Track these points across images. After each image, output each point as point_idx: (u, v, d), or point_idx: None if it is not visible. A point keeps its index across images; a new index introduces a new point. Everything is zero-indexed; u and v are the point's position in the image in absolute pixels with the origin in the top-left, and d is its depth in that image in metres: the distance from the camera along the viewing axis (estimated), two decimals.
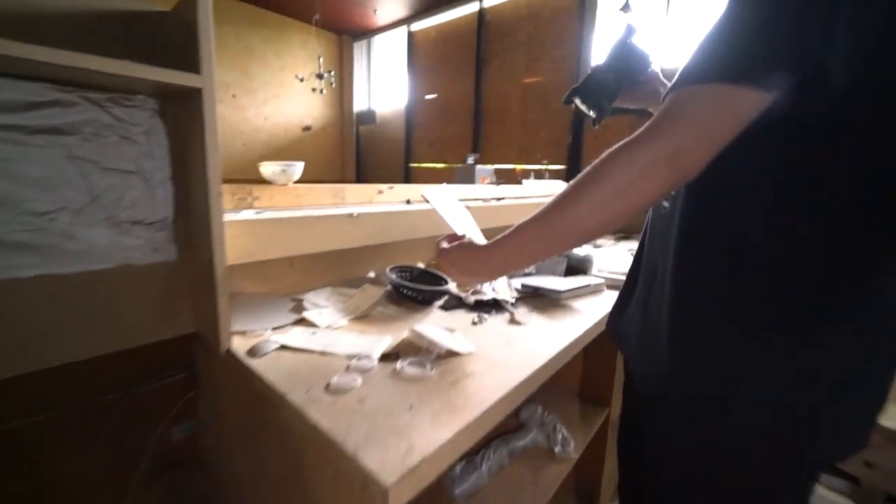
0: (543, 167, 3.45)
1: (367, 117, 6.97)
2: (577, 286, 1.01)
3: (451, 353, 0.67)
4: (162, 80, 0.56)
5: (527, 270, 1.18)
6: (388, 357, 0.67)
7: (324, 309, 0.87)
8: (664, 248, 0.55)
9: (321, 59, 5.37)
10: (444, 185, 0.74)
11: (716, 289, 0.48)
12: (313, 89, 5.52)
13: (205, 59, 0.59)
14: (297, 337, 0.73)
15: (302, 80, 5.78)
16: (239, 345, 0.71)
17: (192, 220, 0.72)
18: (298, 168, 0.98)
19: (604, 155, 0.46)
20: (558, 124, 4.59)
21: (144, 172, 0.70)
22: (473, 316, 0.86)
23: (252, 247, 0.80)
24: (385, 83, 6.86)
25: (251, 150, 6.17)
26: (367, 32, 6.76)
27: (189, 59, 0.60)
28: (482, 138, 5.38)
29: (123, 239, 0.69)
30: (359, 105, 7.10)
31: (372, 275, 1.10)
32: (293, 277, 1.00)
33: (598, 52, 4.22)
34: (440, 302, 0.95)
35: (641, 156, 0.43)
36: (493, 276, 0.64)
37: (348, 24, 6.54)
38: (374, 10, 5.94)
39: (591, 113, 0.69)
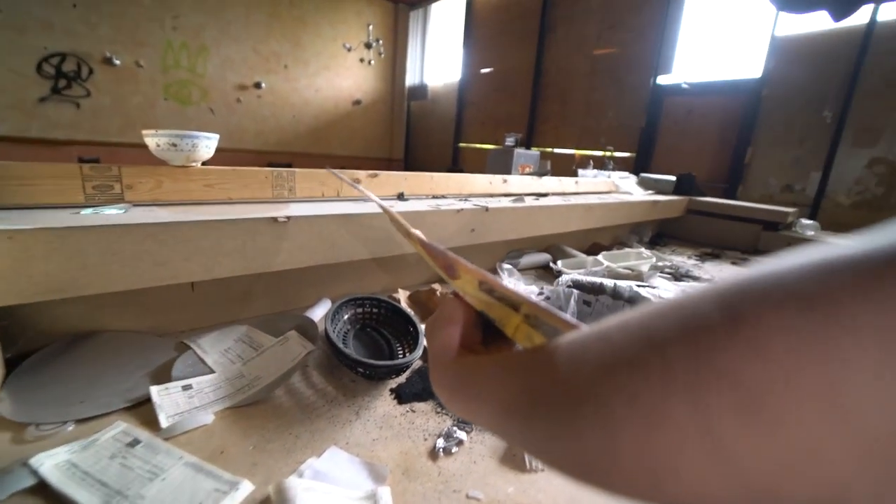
0: (607, 153, 2.83)
1: (419, 92, 6.58)
2: None
3: None
4: None
5: None
6: None
7: (195, 380, 0.52)
8: None
9: (370, 28, 5.04)
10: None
11: None
12: (361, 59, 5.21)
13: None
14: (88, 457, 0.39)
15: (350, 49, 5.49)
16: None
17: None
18: (205, 144, 0.63)
19: None
20: (630, 104, 3.91)
21: None
22: (442, 430, 0.47)
23: (69, 273, 0.47)
24: (439, 56, 6.41)
25: (301, 123, 6.05)
26: (425, 0, 6.31)
27: None
28: (539, 119, 4.79)
29: None
30: (411, 79, 6.73)
31: (321, 309, 0.74)
32: (195, 307, 0.67)
33: (690, 21, 3.47)
34: (399, 379, 0.57)
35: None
36: (453, 408, 0.22)
37: None
38: None
39: None
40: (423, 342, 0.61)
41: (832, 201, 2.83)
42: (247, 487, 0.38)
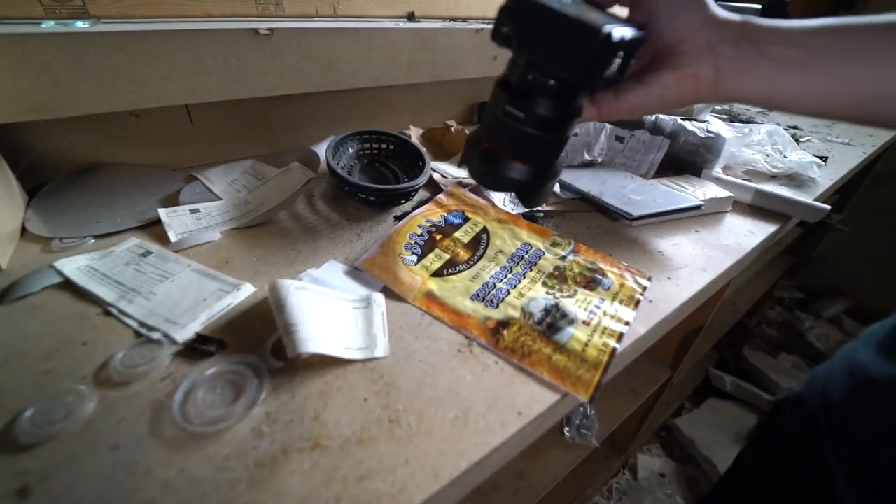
0: None
1: None
2: (669, 206, 0.53)
3: (330, 359, 0.32)
4: None
5: (580, 146, 0.68)
6: (204, 343, 0.34)
7: (203, 205, 0.53)
8: None
9: None
10: None
11: None
12: None
13: None
14: (105, 263, 0.42)
15: None
16: (21, 264, 0.42)
17: None
18: None
19: None
20: None
21: None
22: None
23: (44, 91, 0.44)
24: None
25: None
26: None
27: None
28: None
29: None
30: None
31: (324, 145, 0.70)
32: (199, 143, 0.65)
33: None
34: (404, 206, 0.56)
35: None
36: None
37: None
38: None
39: None
40: (430, 168, 0.57)
41: None
42: (248, 289, 0.40)
